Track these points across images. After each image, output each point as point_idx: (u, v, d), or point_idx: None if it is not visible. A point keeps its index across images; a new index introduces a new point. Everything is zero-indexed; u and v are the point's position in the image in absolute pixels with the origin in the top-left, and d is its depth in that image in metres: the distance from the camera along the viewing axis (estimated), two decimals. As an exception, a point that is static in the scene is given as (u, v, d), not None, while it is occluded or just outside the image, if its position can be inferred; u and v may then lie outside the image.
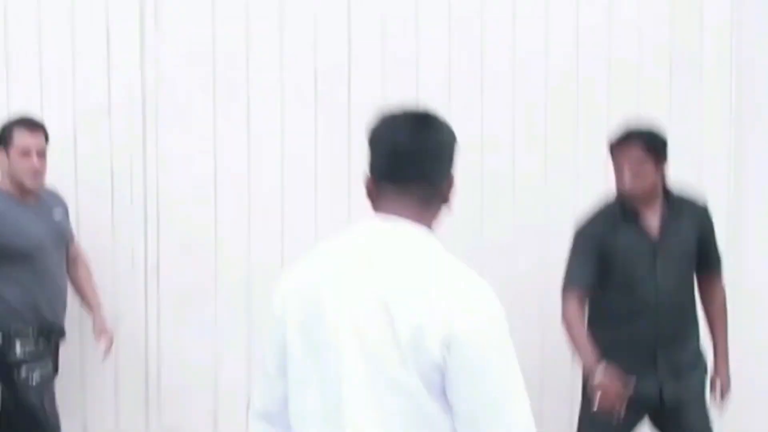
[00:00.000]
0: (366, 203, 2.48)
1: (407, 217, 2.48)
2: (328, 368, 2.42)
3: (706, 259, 4.30)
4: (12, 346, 4.45)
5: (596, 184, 4.76)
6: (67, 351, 4.87)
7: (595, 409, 4.03)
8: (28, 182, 4.48)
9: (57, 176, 4.92)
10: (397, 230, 2.47)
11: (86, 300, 4.79)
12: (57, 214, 4.65)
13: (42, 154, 4.49)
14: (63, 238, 4.64)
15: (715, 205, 4.63)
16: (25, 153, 4.45)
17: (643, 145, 4.10)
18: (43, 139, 4.52)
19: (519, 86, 5.08)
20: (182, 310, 5.13)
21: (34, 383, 4.47)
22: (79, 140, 5.07)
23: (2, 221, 4.42)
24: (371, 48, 5.09)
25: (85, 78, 5.08)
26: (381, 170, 2.51)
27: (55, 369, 4.69)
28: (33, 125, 4.50)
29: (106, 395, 5.14)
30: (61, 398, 4.74)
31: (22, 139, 4.45)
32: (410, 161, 2.48)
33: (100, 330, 4.74)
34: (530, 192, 5.11)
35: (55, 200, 4.72)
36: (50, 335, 4.58)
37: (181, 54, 5.11)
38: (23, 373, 4.45)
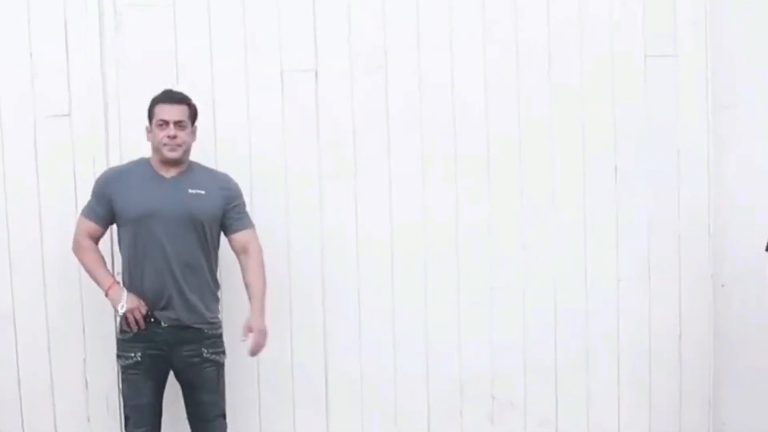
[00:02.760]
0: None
1: None
2: None
3: None
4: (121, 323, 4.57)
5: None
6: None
7: None
8: (165, 152, 4.52)
9: (18, 180, 4.93)
10: None
11: (247, 291, 4.70)
12: (196, 192, 4.59)
13: (181, 125, 4.54)
14: (190, 214, 4.56)
15: (695, 193, 5.11)
16: (162, 124, 4.51)
17: None
18: (181, 110, 4.56)
19: (491, 89, 5.23)
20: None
21: (120, 367, 4.62)
22: (39, 144, 4.98)
23: (118, 188, 4.54)
24: (338, 47, 5.15)
25: (45, 81, 4.98)
26: None
27: (162, 359, 4.59)
28: (171, 98, 4.57)
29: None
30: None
31: (159, 111, 4.52)
32: None
33: (248, 326, 4.62)
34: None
35: (212, 182, 4.66)
36: (150, 316, 4.54)
37: (142, 54, 5.03)
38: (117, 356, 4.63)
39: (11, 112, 4.98)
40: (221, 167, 4.90)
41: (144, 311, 4.47)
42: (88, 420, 5.08)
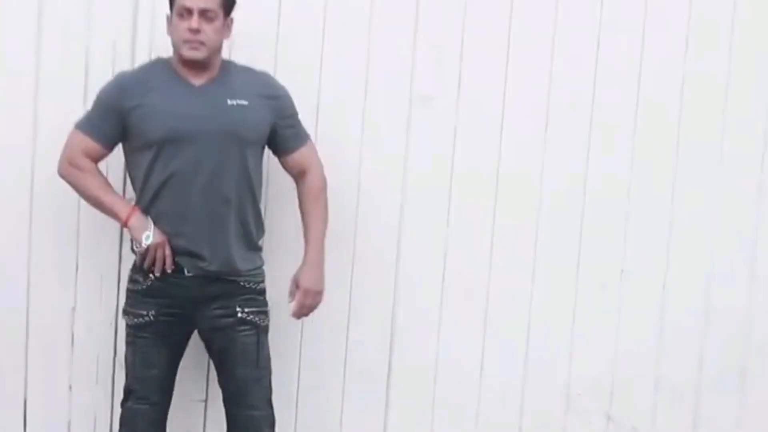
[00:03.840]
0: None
1: None
2: None
3: None
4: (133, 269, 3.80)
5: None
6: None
7: None
8: (184, 50, 3.68)
9: (16, 69, 4.02)
10: None
11: (303, 230, 3.93)
12: (237, 102, 3.74)
13: (208, 17, 3.67)
14: (232, 132, 3.72)
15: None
16: (183, 13, 3.67)
17: None
18: None
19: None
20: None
21: (128, 327, 3.82)
22: (45, 23, 4.01)
23: (136, 100, 3.69)
24: None
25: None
26: None
27: (184, 318, 3.77)
28: None
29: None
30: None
31: None
32: None
33: (295, 280, 3.85)
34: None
35: (255, 88, 3.80)
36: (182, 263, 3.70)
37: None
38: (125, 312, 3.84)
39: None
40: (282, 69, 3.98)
41: (169, 253, 3.66)
42: (70, 388, 4.15)
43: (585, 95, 4.19)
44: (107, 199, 3.72)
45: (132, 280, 3.75)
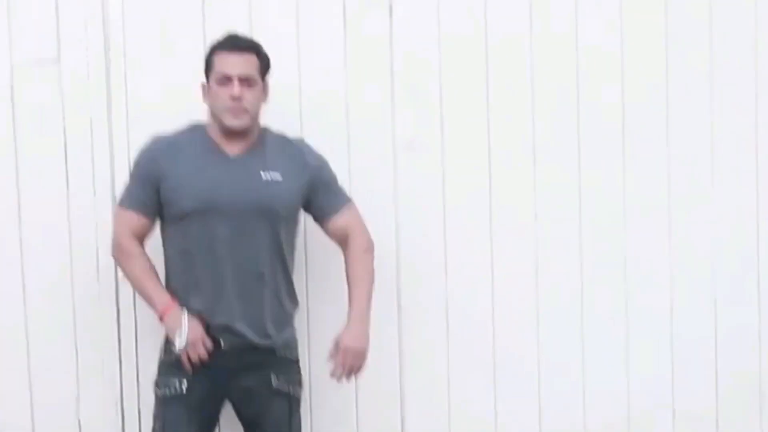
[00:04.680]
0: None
1: None
2: None
3: None
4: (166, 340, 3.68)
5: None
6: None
7: None
8: (227, 119, 3.59)
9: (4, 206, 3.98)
10: None
11: (348, 291, 3.79)
12: (271, 176, 3.64)
13: (249, 83, 3.60)
14: (264, 207, 3.62)
15: None
16: (223, 80, 3.58)
17: None
18: (248, 62, 3.61)
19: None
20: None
21: (158, 399, 3.68)
22: (18, 100, 3.93)
23: (170, 167, 3.61)
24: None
25: (25, 14, 3.94)
26: None
27: (213, 396, 3.67)
28: (236, 45, 3.64)
29: None
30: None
31: (220, 62, 3.61)
32: None
33: (337, 343, 3.67)
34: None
35: (289, 159, 3.70)
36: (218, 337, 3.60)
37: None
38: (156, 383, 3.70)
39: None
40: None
41: (210, 346, 3.57)
42: (79, 477, 4.07)
43: (570, 131, 4.10)
44: (148, 287, 3.63)
45: (165, 351, 3.64)
